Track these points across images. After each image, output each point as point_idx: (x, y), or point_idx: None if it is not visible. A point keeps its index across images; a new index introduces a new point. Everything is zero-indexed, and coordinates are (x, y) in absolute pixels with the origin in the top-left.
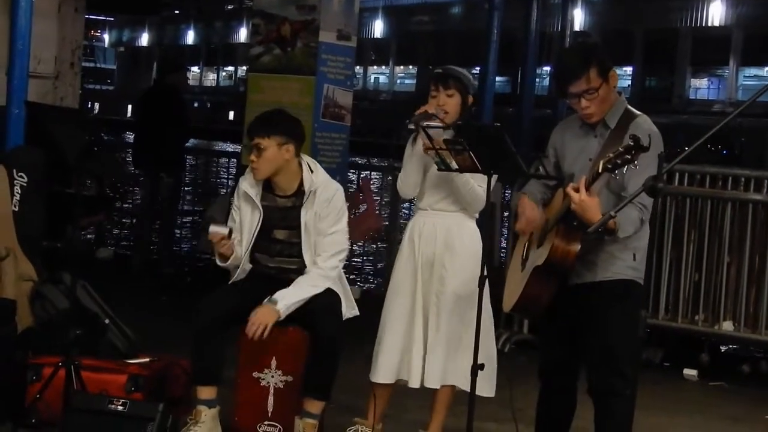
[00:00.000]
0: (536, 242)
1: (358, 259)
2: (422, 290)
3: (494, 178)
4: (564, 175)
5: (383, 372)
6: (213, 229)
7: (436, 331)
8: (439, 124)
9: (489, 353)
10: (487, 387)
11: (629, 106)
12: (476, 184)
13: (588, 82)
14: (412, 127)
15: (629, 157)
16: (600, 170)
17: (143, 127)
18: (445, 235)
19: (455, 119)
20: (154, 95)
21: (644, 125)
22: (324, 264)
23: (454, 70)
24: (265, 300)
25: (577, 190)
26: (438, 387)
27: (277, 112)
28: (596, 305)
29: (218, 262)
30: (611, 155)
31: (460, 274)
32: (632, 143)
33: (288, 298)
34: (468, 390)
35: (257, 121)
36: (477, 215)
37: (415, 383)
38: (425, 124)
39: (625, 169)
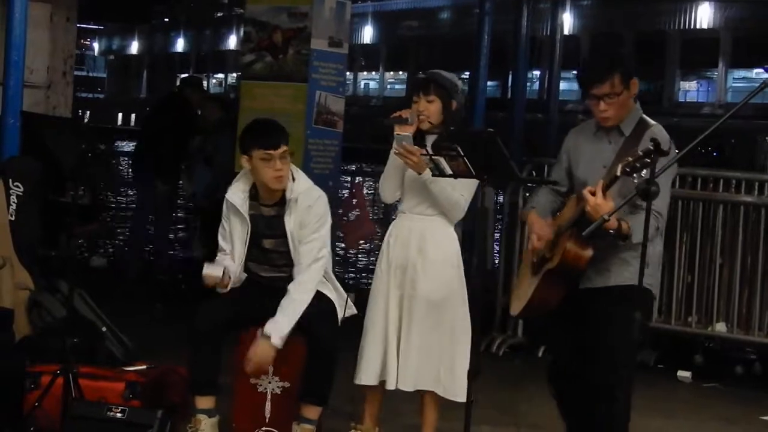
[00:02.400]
0: (548, 246)
1: (352, 265)
2: (396, 293)
3: (472, 182)
4: (575, 181)
5: (364, 374)
6: (206, 271)
7: (408, 334)
8: (408, 132)
9: (465, 357)
10: (460, 392)
11: (644, 115)
12: (456, 193)
13: (611, 87)
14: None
15: (648, 160)
16: (618, 173)
17: (148, 134)
18: (419, 239)
19: (437, 124)
20: (169, 105)
21: (660, 134)
22: (303, 277)
23: (436, 75)
24: (258, 333)
25: (593, 194)
26: (411, 390)
27: (274, 121)
28: (604, 308)
29: (219, 291)
30: (630, 159)
31: (433, 278)
32: (652, 147)
33: (280, 329)
34: (442, 395)
35: (273, 130)
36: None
37: (391, 385)
38: (397, 132)
39: (643, 172)
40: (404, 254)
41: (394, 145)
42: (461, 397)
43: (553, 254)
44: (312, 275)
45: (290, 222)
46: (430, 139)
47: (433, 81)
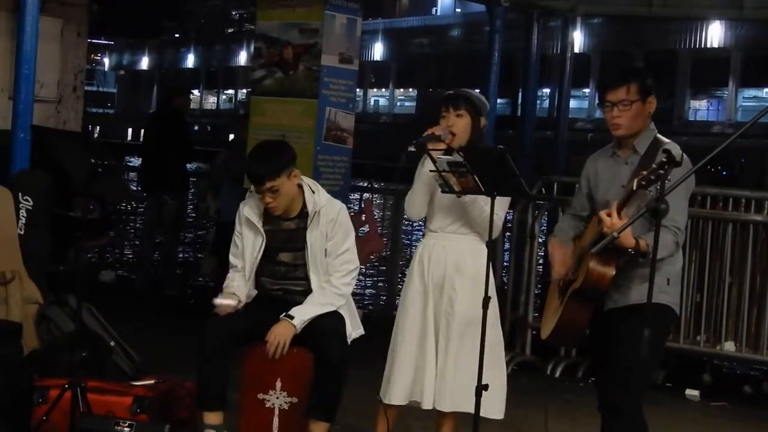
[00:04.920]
0: (572, 268)
1: (360, 282)
2: (433, 312)
3: (506, 200)
4: (596, 204)
5: (396, 394)
6: (219, 302)
7: (445, 354)
8: (442, 148)
9: (500, 375)
10: (496, 409)
11: (659, 135)
12: (493, 212)
13: (626, 93)
14: (412, 149)
15: (662, 172)
16: (634, 188)
17: (149, 150)
18: (455, 257)
19: (464, 140)
20: (161, 118)
21: (674, 150)
22: (338, 282)
23: (465, 92)
24: (282, 316)
25: (609, 215)
26: (449, 411)
27: (267, 147)
28: (624, 326)
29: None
30: (644, 172)
31: (471, 296)
32: (665, 158)
33: (304, 314)
34: (483, 415)
35: (257, 165)
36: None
37: (427, 405)
38: (430, 147)
39: (659, 185)
40: (441, 273)
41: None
42: (498, 415)
43: (578, 275)
44: (347, 282)
45: (312, 235)
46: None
47: (462, 96)
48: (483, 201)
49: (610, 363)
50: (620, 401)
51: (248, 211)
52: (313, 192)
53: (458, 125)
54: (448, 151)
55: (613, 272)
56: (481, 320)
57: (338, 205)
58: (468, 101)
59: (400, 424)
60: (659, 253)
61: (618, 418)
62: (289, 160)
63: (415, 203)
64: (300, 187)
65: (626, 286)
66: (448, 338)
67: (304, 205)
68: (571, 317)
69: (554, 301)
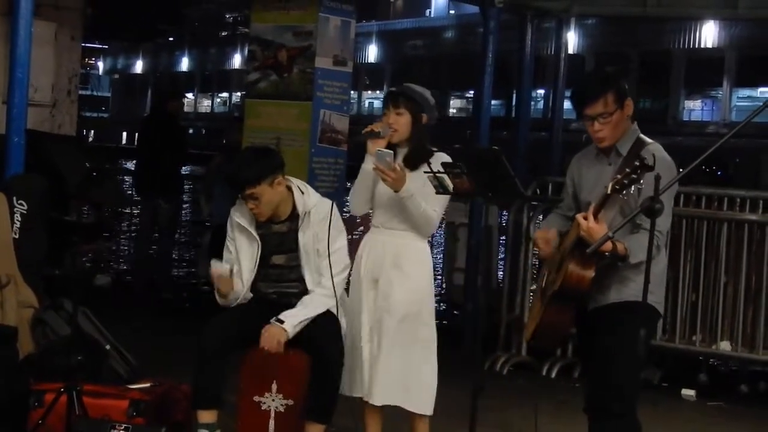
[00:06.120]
0: (553, 271)
1: None
2: (368, 307)
3: (445, 198)
4: (580, 205)
5: (345, 384)
6: (215, 267)
7: (378, 348)
8: (382, 145)
9: (431, 372)
10: (426, 405)
11: (641, 135)
12: (429, 208)
13: (604, 106)
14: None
15: (635, 176)
16: (609, 191)
17: (143, 154)
18: (393, 253)
19: (405, 138)
20: (155, 122)
21: (657, 152)
22: (328, 283)
23: (407, 89)
24: (272, 319)
25: (586, 218)
26: (380, 405)
27: (250, 154)
28: (604, 324)
29: (218, 299)
30: (618, 176)
31: (406, 293)
32: (637, 163)
33: (295, 318)
34: (412, 410)
35: (238, 171)
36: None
37: (366, 398)
38: (376, 147)
39: (632, 189)
40: (377, 268)
41: (373, 160)
42: (428, 411)
43: (557, 277)
44: (339, 282)
45: (304, 236)
46: (401, 153)
47: (402, 94)
48: (419, 197)
49: (599, 362)
50: (612, 402)
51: (239, 216)
52: (302, 192)
53: (398, 123)
54: (390, 147)
55: (592, 274)
56: (416, 317)
57: (329, 204)
58: (408, 99)
59: (391, 426)
60: (638, 257)
61: (610, 420)
62: (271, 168)
63: (356, 198)
64: (289, 189)
65: (606, 285)
66: (381, 333)
67: (295, 207)
68: (550, 320)
69: (537, 304)
